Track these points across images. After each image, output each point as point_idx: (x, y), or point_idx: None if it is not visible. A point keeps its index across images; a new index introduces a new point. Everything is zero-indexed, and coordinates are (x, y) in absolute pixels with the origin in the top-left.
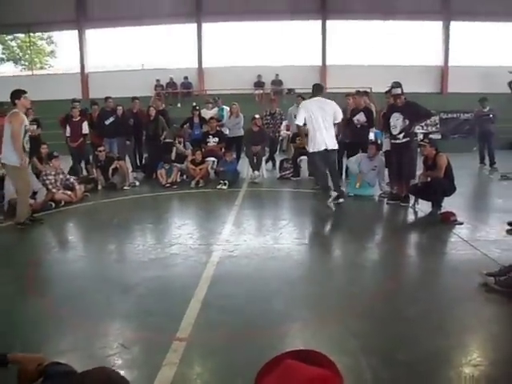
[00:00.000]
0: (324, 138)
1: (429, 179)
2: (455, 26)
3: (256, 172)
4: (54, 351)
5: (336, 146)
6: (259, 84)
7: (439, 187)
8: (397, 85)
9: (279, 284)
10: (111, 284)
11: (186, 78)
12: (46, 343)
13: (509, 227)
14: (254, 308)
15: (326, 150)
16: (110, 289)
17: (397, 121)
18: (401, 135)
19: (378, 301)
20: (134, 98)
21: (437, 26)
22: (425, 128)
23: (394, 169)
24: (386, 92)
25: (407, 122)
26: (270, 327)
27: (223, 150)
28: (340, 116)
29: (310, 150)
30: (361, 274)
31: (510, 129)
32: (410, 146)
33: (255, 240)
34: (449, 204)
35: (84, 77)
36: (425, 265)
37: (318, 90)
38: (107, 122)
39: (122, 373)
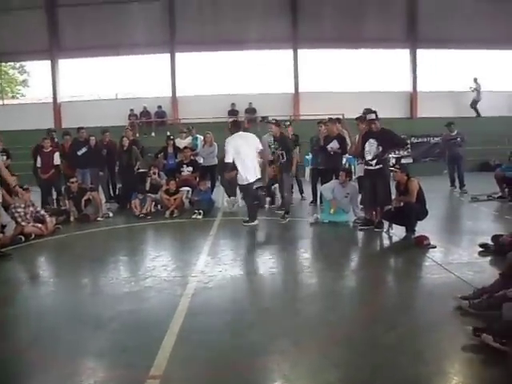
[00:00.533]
0: (254, 169)
1: (401, 204)
2: (422, 53)
3: (232, 197)
4: None
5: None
6: (233, 112)
7: (412, 212)
8: (369, 111)
9: (256, 315)
10: (84, 320)
11: (159, 107)
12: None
13: (480, 249)
14: (230, 341)
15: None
16: (82, 325)
17: (371, 147)
18: (373, 161)
19: (356, 328)
20: (104, 131)
21: (404, 53)
22: (396, 152)
23: (368, 194)
24: (357, 118)
25: (380, 148)
26: (247, 361)
27: (197, 179)
28: (260, 146)
29: (245, 182)
30: (338, 301)
31: (477, 151)
32: (383, 173)
33: (230, 270)
34: (422, 228)
35: (56, 106)
36: (401, 290)
37: (237, 126)
38: (80, 153)
39: None
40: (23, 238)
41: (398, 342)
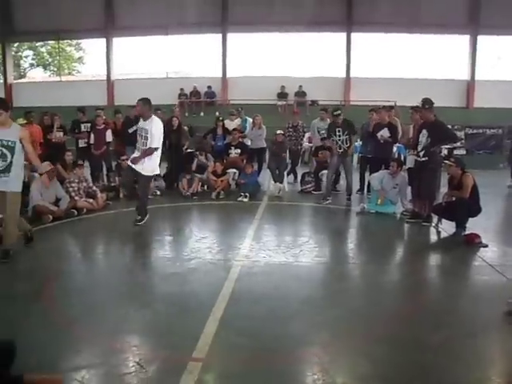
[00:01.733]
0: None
1: (453, 199)
2: (483, 39)
3: (279, 184)
4: (70, 368)
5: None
6: (282, 95)
7: (463, 207)
8: (427, 101)
9: (298, 305)
10: (129, 298)
11: (209, 87)
12: (61, 359)
13: None
14: (272, 330)
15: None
16: (127, 303)
17: (422, 138)
18: (421, 153)
19: (398, 326)
20: (156, 109)
21: (463, 39)
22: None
23: (415, 187)
24: (412, 108)
25: (429, 140)
26: (287, 352)
27: (245, 161)
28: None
29: (150, 173)
30: (381, 296)
31: None
32: (429, 166)
33: (275, 257)
34: (473, 225)
35: (110, 84)
36: (447, 289)
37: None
38: (130, 131)
39: None
40: (76, 212)
41: (441, 344)
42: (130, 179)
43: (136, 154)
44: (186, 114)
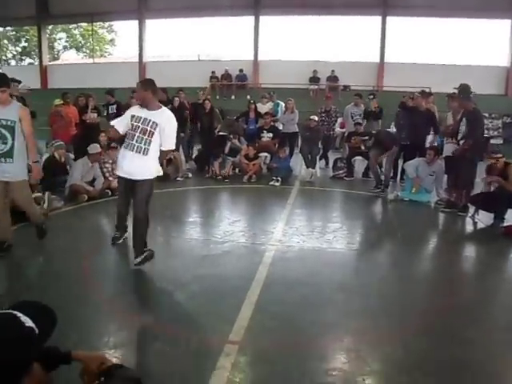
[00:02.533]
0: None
1: (492, 189)
2: None
3: (311, 169)
4: (110, 345)
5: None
6: (314, 79)
7: (504, 198)
8: (465, 88)
9: (332, 292)
10: (164, 280)
11: (241, 70)
12: (101, 337)
13: None
14: (306, 316)
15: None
16: (162, 285)
17: (462, 126)
18: (461, 142)
19: (435, 318)
20: (179, 90)
21: (504, 23)
22: (486, 132)
23: (451, 175)
24: (449, 95)
25: (467, 129)
26: (323, 338)
27: (277, 145)
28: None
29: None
30: (417, 287)
31: None
32: (467, 155)
33: (308, 242)
34: None
35: (142, 66)
36: (484, 282)
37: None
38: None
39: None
40: (110, 193)
41: (478, 338)
42: (127, 203)
43: (127, 157)
44: (217, 97)
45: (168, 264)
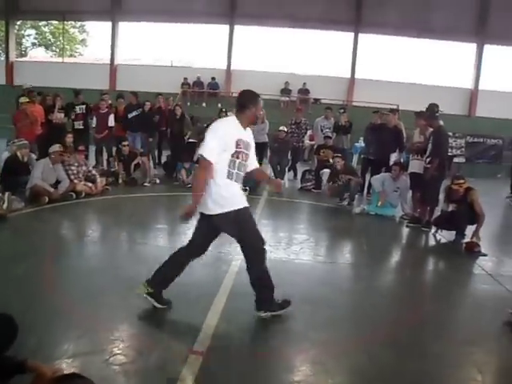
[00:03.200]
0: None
1: (450, 208)
2: (489, 49)
3: (279, 179)
4: (69, 354)
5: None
6: (286, 91)
7: (464, 215)
8: (432, 107)
9: (300, 303)
10: (129, 286)
11: (213, 78)
12: (60, 345)
13: None
14: (272, 326)
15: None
16: (128, 291)
17: (429, 144)
18: (427, 160)
19: (400, 331)
20: (158, 94)
21: (470, 47)
22: (450, 151)
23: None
24: (416, 113)
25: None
26: (287, 349)
27: None
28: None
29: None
30: (381, 300)
31: None
32: (433, 174)
33: (275, 253)
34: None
35: (113, 68)
36: (447, 297)
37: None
38: (130, 116)
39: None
40: (74, 196)
41: (441, 352)
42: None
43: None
44: (188, 104)
45: (133, 271)
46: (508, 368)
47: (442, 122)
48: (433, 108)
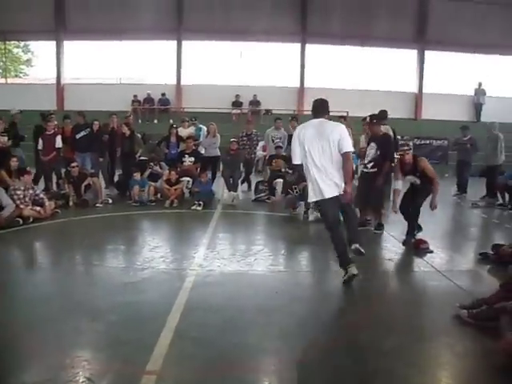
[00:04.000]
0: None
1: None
2: (429, 54)
3: (233, 192)
4: None
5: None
6: (237, 104)
7: (425, 188)
8: (376, 116)
9: (254, 314)
10: (80, 310)
11: (163, 94)
12: (7, 376)
13: (480, 257)
14: (227, 340)
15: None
16: (78, 315)
17: (371, 150)
18: (369, 165)
19: (353, 333)
20: (111, 114)
21: (412, 53)
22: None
23: (361, 196)
24: (363, 119)
25: (378, 153)
26: (244, 361)
27: (199, 169)
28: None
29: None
30: (335, 304)
31: (481, 156)
32: (378, 178)
33: (229, 265)
34: (423, 232)
35: (60, 88)
36: (398, 295)
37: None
38: (78, 136)
39: None
40: (21, 221)
41: (394, 350)
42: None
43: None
44: (140, 121)
45: (86, 293)
46: (461, 360)
47: (388, 128)
48: (379, 114)
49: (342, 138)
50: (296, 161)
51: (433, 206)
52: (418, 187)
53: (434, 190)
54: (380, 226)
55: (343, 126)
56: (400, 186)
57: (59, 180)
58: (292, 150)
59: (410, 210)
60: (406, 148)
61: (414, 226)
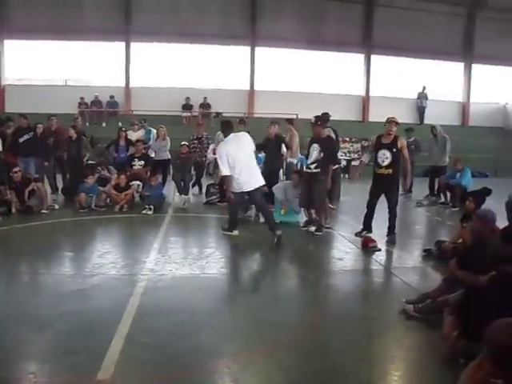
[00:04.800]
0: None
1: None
2: (376, 58)
3: (184, 196)
4: None
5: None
6: (187, 106)
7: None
8: (320, 118)
9: (206, 316)
10: (25, 320)
11: (111, 96)
12: None
13: (424, 254)
14: (180, 343)
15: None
16: (23, 326)
17: (313, 151)
18: (313, 165)
19: (304, 333)
20: (50, 116)
21: (359, 58)
22: (347, 155)
23: (304, 196)
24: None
25: (322, 154)
26: (197, 364)
27: (149, 173)
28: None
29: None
30: (286, 305)
31: (425, 157)
32: (320, 177)
33: (181, 269)
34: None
35: (1, 89)
36: (347, 294)
37: (228, 127)
38: (21, 140)
39: None
40: None
41: (344, 348)
42: None
43: None
44: (87, 124)
45: (30, 303)
46: (409, 353)
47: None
48: (321, 117)
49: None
50: (226, 172)
51: (407, 186)
52: (389, 186)
53: (406, 170)
54: (320, 228)
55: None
56: (365, 158)
57: (0, 186)
58: (222, 163)
59: (390, 210)
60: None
61: (394, 224)
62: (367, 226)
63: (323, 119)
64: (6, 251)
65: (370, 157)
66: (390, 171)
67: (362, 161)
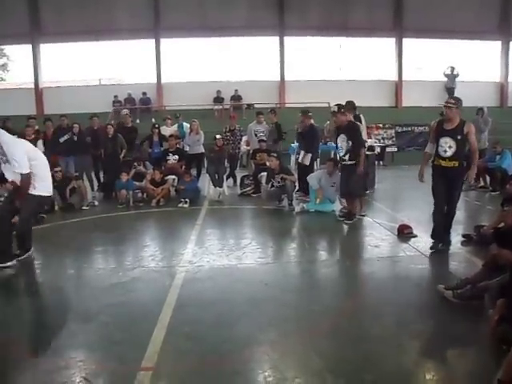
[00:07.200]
0: None
1: None
2: (407, 42)
3: (219, 188)
4: None
5: None
6: (218, 100)
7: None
8: (345, 105)
9: (244, 306)
10: (72, 313)
11: (144, 93)
12: (2, 382)
13: (463, 239)
14: (220, 333)
15: None
16: (70, 318)
17: (342, 142)
18: (346, 157)
19: (342, 319)
20: (92, 116)
21: (390, 42)
22: (382, 141)
23: (343, 187)
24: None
25: (350, 143)
26: (236, 352)
27: (183, 167)
28: None
29: None
30: (325, 292)
31: None
32: (358, 168)
33: (218, 260)
34: (407, 217)
35: (38, 92)
36: (385, 280)
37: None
38: (61, 140)
39: None
40: None
41: (384, 334)
42: None
43: None
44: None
45: (76, 296)
46: (447, 340)
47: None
48: (345, 105)
49: None
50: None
51: (470, 179)
52: (452, 181)
53: (474, 160)
54: (351, 216)
55: None
56: (430, 149)
57: None
58: None
59: (448, 206)
60: (452, 101)
61: (451, 224)
62: (439, 236)
63: (348, 107)
64: (50, 247)
65: (433, 146)
66: (456, 163)
67: (426, 152)
